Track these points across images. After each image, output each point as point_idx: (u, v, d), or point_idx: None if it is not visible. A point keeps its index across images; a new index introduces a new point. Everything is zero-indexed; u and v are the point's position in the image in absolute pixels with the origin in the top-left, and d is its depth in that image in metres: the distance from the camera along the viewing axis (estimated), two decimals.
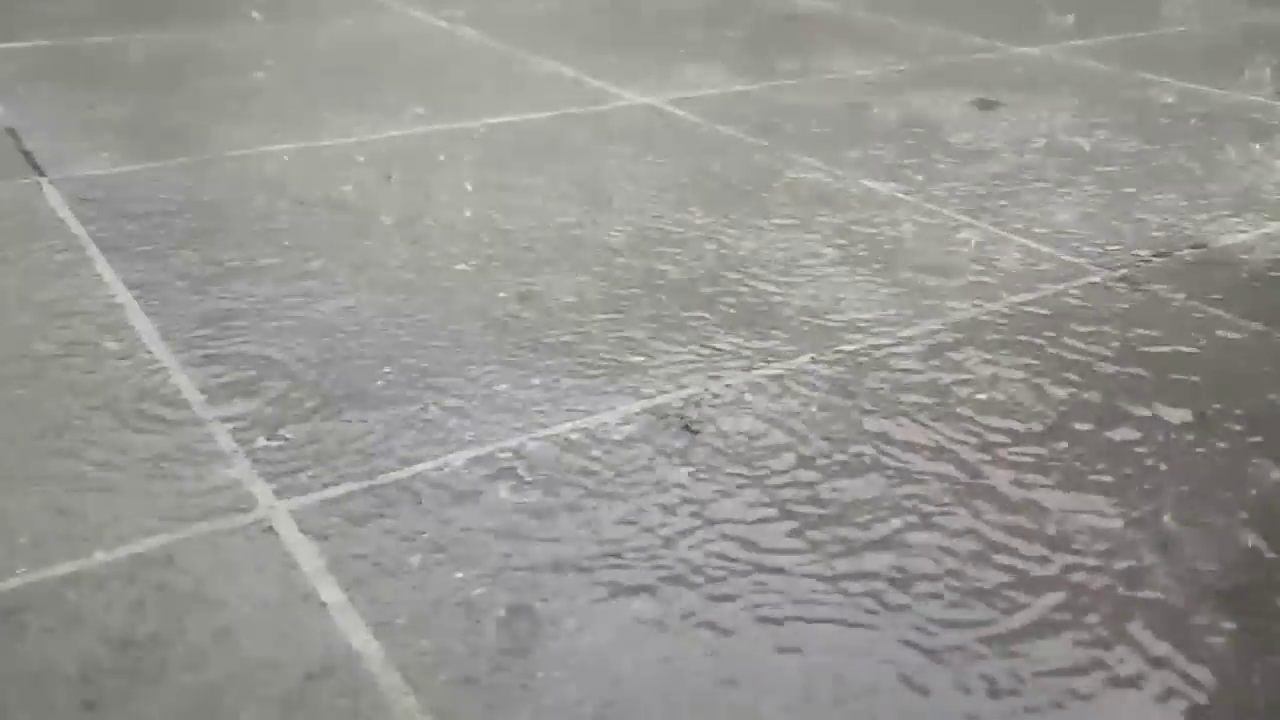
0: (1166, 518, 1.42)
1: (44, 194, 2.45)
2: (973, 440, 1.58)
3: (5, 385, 1.70)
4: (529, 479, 1.49)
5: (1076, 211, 2.40)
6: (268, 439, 1.57)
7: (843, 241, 2.24)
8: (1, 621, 1.23)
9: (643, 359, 1.79)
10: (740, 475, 1.50)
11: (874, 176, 2.61)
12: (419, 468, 1.51)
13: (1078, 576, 1.32)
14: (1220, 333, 1.90)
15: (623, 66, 3.56)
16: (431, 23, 4.21)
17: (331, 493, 1.46)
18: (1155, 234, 2.30)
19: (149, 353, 1.79)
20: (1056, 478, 1.50)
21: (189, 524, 1.39)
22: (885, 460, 1.53)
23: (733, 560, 1.34)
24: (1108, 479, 1.50)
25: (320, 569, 1.32)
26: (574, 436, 1.58)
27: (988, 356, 1.81)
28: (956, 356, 1.80)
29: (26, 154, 2.69)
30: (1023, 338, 1.87)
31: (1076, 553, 1.36)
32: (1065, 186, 2.55)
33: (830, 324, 1.90)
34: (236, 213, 2.34)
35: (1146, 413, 1.66)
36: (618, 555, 1.35)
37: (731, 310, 1.95)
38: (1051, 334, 1.88)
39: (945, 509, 1.43)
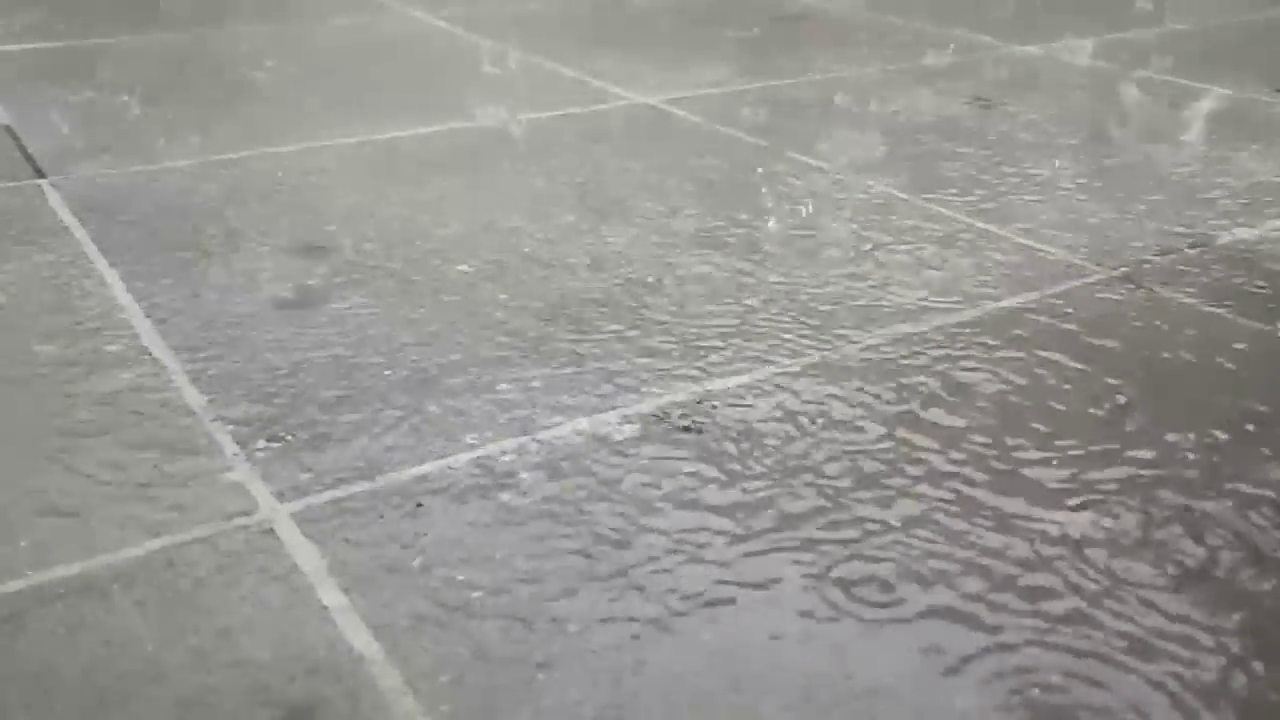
0: (1164, 516, 1.43)
1: (45, 195, 2.45)
2: (973, 440, 1.58)
3: (6, 388, 1.70)
4: (531, 480, 1.49)
5: (1077, 210, 2.40)
6: (269, 441, 1.57)
7: (848, 237, 2.24)
8: (3, 624, 1.24)
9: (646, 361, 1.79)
10: (755, 470, 1.50)
11: (873, 176, 2.60)
12: (420, 469, 1.51)
13: (1078, 580, 1.32)
14: (1221, 331, 1.90)
15: (623, 66, 3.56)
16: (431, 23, 4.21)
17: (332, 495, 1.46)
18: (1157, 232, 2.29)
19: (149, 355, 1.79)
20: (1056, 478, 1.50)
21: (190, 526, 1.39)
22: (894, 446, 1.53)
23: (734, 559, 1.34)
24: (1111, 484, 1.50)
25: (321, 571, 1.32)
26: (577, 438, 1.58)
27: (988, 356, 1.80)
28: (958, 355, 1.80)
29: (27, 154, 2.69)
30: (1023, 337, 1.87)
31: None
32: (1066, 185, 2.55)
33: (829, 321, 1.91)
34: (238, 214, 2.34)
35: (1147, 412, 1.66)
36: (619, 555, 1.35)
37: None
38: (1052, 333, 1.88)
39: (946, 510, 1.44)
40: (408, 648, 1.20)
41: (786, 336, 1.87)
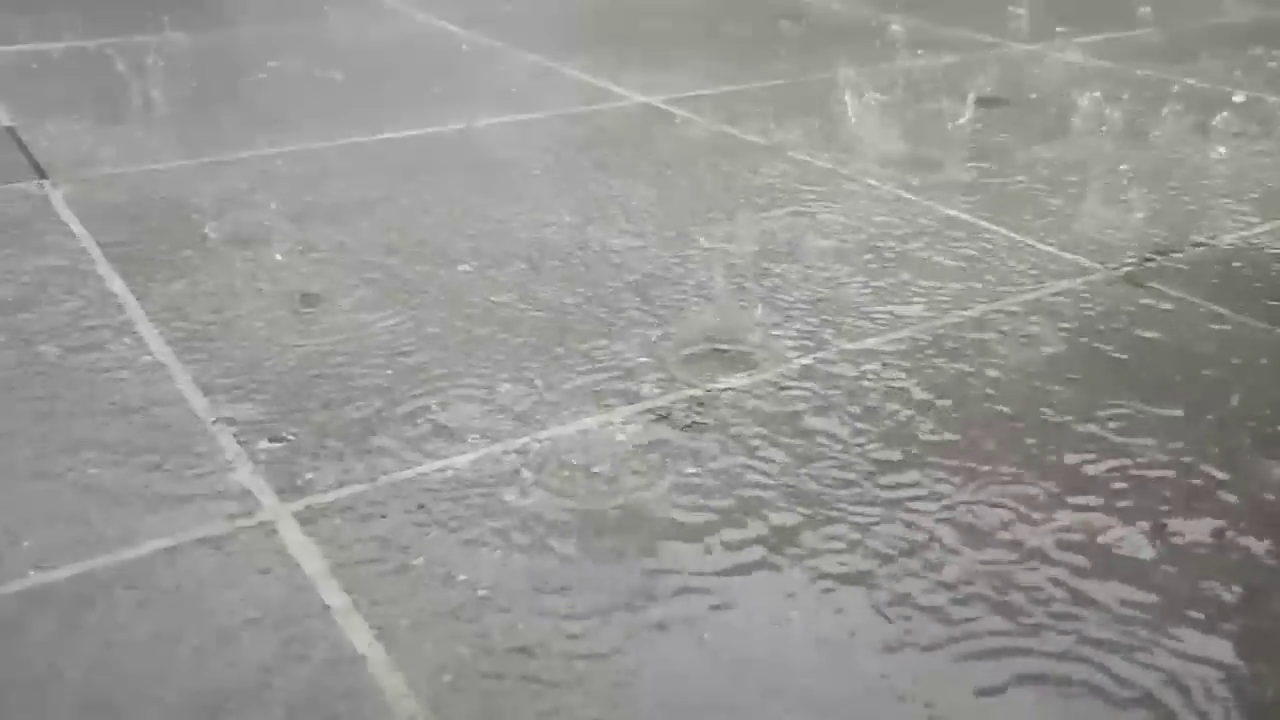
0: (1162, 514, 1.43)
1: (46, 196, 2.45)
2: (974, 437, 1.58)
3: (9, 388, 1.70)
4: (533, 480, 1.49)
5: (1078, 209, 2.40)
6: (270, 441, 1.57)
7: (845, 239, 2.24)
8: (4, 624, 1.24)
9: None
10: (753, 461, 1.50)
11: (874, 175, 2.60)
12: (421, 469, 1.51)
13: (1076, 579, 1.32)
14: (1222, 330, 1.89)
15: (623, 67, 3.56)
16: (431, 23, 4.21)
17: (334, 495, 1.46)
18: (1158, 231, 2.29)
19: (151, 355, 1.79)
20: (1056, 481, 1.50)
21: (191, 526, 1.39)
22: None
23: (736, 561, 1.34)
24: (1117, 485, 1.50)
25: (323, 571, 1.32)
26: (580, 438, 1.58)
27: (987, 356, 1.80)
28: (957, 355, 1.80)
29: (29, 155, 2.69)
30: (1024, 336, 1.86)
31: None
32: (1067, 184, 2.54)
33: (835, 316, 1.90)
34: (238, 214, 2.34)
35: (1146, 412, 1.66)
36: (619, 556, 1.35)
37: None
38: (1052, 333, 1.88)
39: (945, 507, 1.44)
40: (410, 648, 1.20)
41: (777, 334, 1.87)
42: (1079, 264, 2.14)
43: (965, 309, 1.96)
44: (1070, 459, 1.54)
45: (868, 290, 2.02)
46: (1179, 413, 1.65)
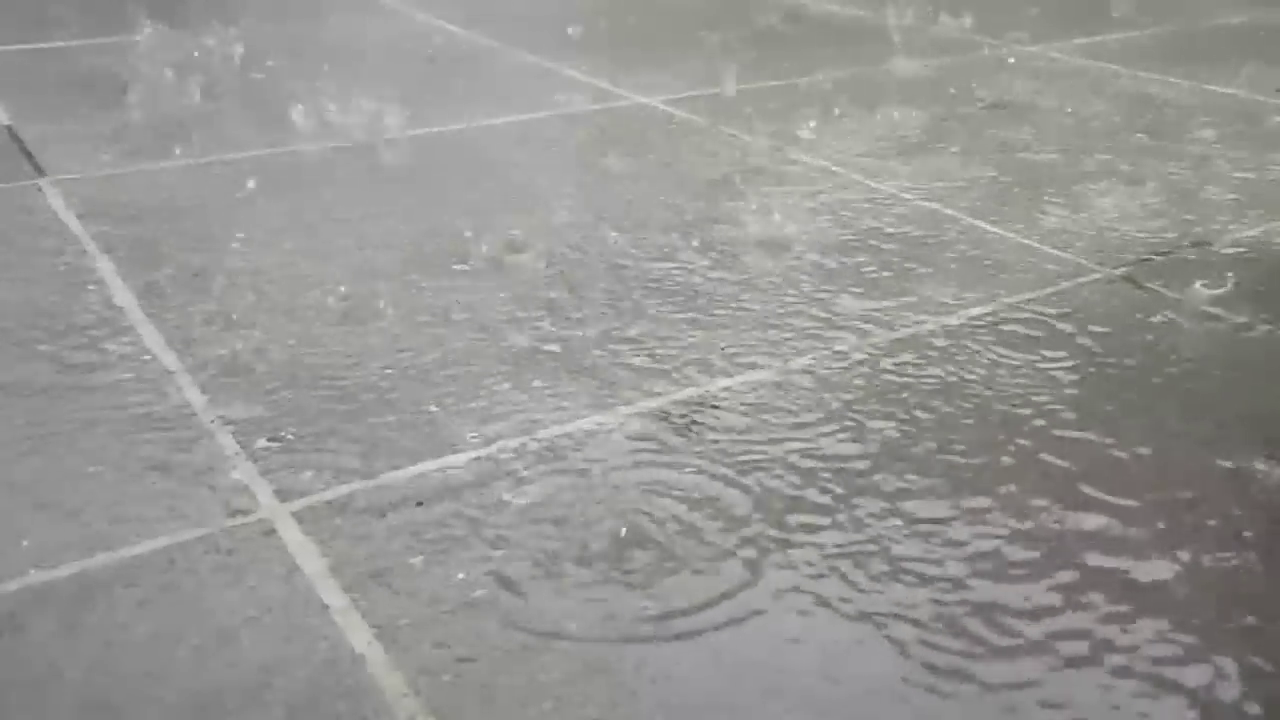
0: (1163, 521, 1.43)
1: (44, 194, 2.44)
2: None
3: (7, 389, 1.70)
4: (531, 479, 1.48)
5: (1079, 209, 2.40)
6: (269, 440, 1.57)
7: (845, 239, 2.24)
8: (4, 624, 1.24)
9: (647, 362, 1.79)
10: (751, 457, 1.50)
11: (874, 175, 2.60)
12: (420, 468, 1.51)
13: (1077, 579, 1.32)
14: (1222, 331, 1.89)
15: (624, 67, 3.55)
16: (431, 23, 4.21)
17: (333, 494, 1.46)
18: (1158, 232, 2.29)
19: (150, 355, 1.79)
20: (1056, 481, 1.50)
21: (191, 526, 1.39)
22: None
23: (737, 563, 1.34)
24: (1115, 483, 1.50)
25: (322, 571, 1.32)
26: (578, 437, 1.58)
27: (988, 355, 1.80)
28: (958, 354, 1.80)
29: (28, 154, 2.69)
30: (1024, 335, 1.86)
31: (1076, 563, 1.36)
32: (1068, 185, 2.54)
33: (833, 316, 1.90)
34: (238, 214, 2.34)
35: (1146, 412, 1.66)
36: (620, 555, 1.35)
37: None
38: (1053, 332, 1.88)
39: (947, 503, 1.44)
40: (410, 648, 1.20)
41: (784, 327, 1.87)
42: (1079, 264, 2.14)
43: (965, 309, 1.96)
44: (1067, 461, 1.54)
45: (866, 290, 2.02)
46: (1179, 413, 1.65)
